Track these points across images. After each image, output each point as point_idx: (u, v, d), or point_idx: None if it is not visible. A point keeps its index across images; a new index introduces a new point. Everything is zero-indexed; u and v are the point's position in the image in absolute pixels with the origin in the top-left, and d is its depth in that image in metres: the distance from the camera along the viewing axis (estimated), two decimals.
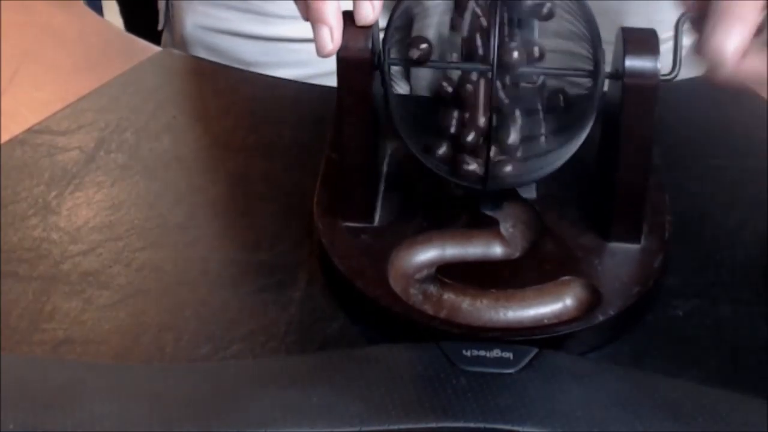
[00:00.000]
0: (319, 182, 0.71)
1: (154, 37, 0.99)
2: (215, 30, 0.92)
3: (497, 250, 0.68)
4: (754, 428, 0.58)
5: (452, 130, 0.67)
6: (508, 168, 0.65)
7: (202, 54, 0.92)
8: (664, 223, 0.69)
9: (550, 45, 0.67)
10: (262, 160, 0.77)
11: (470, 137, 0.66)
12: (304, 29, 0.91)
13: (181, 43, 0.95)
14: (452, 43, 0.76)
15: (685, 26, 0.63)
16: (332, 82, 0.86)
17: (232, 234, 0.72)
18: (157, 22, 0.99)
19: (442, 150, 0.66)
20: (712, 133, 0.80)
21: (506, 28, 0.65)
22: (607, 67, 0.64)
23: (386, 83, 0.65)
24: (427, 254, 0.68)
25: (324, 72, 0.89)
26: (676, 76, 0.64)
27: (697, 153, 0.78)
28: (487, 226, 0.69)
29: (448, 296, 0.65)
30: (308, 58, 0.89)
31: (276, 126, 0.80)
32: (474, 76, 0.66)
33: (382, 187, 0.71)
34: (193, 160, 0.78)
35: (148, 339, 0.64)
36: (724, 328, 0.65)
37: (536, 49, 0.66)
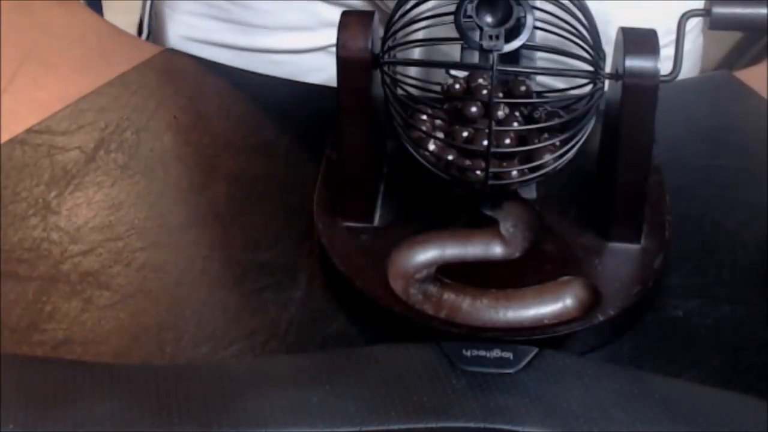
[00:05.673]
0: (319, 182, 0.71)
1: None
2: (199, 41, 0.92)
3: (497, 250, 0.68)
4: (754, 428, 0.58)
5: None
6: (509, 170, 0.65)
7: None
8: (664, 223, 0.69)
9: (550, 44, 0.67)
10: (262, 160, 0.77)
11: (467, 134, 0.66)
12: (287, 41, 0.91)
13: None
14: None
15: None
16: None
17: (232, 234, 0.72)
18: None
19: (433, 146, 0.66)
20: (712, 133, 0.80)
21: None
22: (606, 68, 0.65)
23: (386, 83, 0.65)
24: (427, 254, 0.68)
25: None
26: (676, 76, 0.64)
27: (697, 153, 0.78)
28: (487, 226, 0.69)
29: (448, 296, 0.65)
30: (295, 70, 0.90)
31: (276, 126, 0.80)
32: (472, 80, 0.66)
33: (382, 187, 0.71)
34: (193, 160, 0.78)
35: (148, 339, 0.64)
36: (724, 328, 0.65)
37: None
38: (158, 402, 0.58)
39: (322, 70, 0.90)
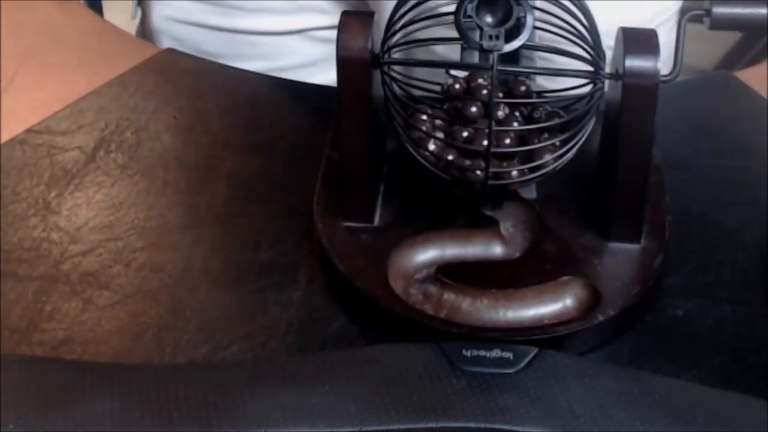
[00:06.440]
0: (319, 182, 0.71)
1: None
2: (181, 21, 0.94)
3: (497, 250, 0.68)
4: (754, 428, 0.58)
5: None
6: (509, 170, 0.65)
7: (169, 45, 0.93)
8: (664, 223, 0.69)
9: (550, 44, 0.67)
10: (262, 160, 0.77)
11: (467, 134, 0.66)
12: (268, 22, 0.93)
13: (149, 34, 0.96)
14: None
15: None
16: (294, 76, 0.87)
17: (232, 234, 0.72)
18: None
19: (433, 146, 0.66)
20: (712, 133, 0.80)
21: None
22: (606, 68, 0.65)
23: (386, 83, 0.65)
24: (427, 254, 0.68)
25: (286, 66, 0.91)
26: (676, 76, 0.64)
27: (697, 153, 0.78)
28: (487, 226, 0.69)
29: (448, 296, 0.65)
30: (272, 51, 0.91)
31: (276, 126, 0.80)
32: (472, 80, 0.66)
33: (382, 187, 0.71)
34: (193, 160, 0.78)
35: (148, 339, 0.64)
36: (724, 328, 0.65)
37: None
38: (158, 402, 0.58)
39: (298, 53, 0.92)
